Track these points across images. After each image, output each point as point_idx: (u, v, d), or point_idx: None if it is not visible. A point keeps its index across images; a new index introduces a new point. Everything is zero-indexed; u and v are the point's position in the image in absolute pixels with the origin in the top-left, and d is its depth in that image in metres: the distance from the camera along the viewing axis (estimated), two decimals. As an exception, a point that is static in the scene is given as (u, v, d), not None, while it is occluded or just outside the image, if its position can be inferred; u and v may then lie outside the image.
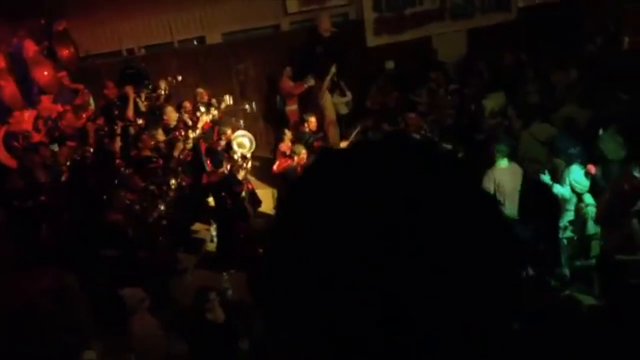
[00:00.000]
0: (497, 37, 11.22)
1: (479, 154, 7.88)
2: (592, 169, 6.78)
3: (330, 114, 10.39)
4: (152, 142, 8.29)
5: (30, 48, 8.67)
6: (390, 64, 11.01)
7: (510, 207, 7.07)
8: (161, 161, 8.20)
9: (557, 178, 6.98)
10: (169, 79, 9.85)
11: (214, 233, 7.61)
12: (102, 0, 10.13)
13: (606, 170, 7.06)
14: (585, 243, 6.98)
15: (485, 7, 11.69)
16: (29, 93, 8.64)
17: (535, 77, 9.83)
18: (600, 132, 7.37)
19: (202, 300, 5.59)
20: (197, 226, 7.73)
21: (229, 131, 8.72)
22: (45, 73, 8.77)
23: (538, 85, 9.51)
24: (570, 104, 8.28)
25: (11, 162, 8.08)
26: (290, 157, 7.76)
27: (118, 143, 8.46)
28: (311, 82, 10.24)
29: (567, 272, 7.09)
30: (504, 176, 7.13)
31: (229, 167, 7.92)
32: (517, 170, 7.32)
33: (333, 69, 10.26)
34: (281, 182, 7.92)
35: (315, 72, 10.50)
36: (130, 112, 9.24)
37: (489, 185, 6.99)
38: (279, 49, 11.11)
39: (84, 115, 9.34)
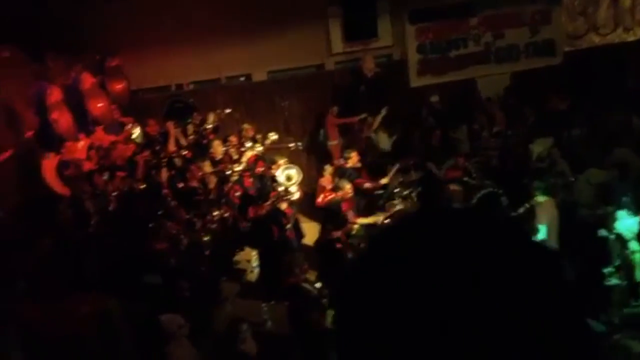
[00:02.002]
0: (542, 81, 11.19)
1: (524, 198, 7.80)
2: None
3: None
4: (200, 174, 8.45)
5: (87, 81, 8.98)
6: (435, 97, 11.05)
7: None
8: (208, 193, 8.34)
9: (607, 223, 6.87)
10: (218, 111, 10.06)
11: (254, 264, 7.64)
12: (155, 38, 10.53)
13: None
14: (634, 289, 6.79)
15: (530, 51, 11.70)
16: (84, 124, 8.92)
17: (583, 121, 9.72)
18: None
19: (235, 332, 5.60)
20: (238, 257, 7.78)
21: (281, 161, 8.83)
22: (100, 105, 9.07)
23: (586, 129, 9.40)
24: (623, 148, 8.15)
25: (64, 190, 8.26)
26: (335, 190, 7.79)
27: (164, 174, 8.64)
28: (364, 115, 10.49)
29: (615, 319, 6.86)
30: (541, 212, 7.12)
31: (274, 198, 8.06)
32: (552, 207, 7.24)
33: (384, 111, 10.41)
34: (324, 215, 7.93)
35: (358, 112, 10.65)
36: (171, 147, 9.47)
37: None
38: (323, 88, 11.31)
39: (132, 147, 9.61)
